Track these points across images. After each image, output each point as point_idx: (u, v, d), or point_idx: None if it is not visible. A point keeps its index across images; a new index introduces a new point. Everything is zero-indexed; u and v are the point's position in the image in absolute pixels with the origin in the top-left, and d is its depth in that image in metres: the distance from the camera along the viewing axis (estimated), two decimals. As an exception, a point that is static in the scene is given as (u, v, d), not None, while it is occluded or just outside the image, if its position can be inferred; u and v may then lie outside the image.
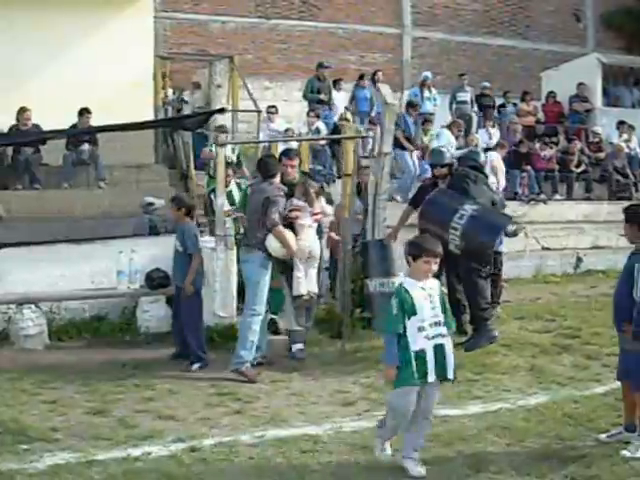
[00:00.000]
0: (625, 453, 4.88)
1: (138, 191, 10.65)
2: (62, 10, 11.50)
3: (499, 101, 16.52)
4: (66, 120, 10.76)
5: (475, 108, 15.26)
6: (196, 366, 6.86)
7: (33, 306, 7.49)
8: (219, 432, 5.24)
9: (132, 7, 12.66)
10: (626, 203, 14.19)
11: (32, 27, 11.18)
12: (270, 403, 5.90)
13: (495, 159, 12.11)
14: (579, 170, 14.25)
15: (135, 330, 7.91)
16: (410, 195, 9.81)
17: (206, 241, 7.86)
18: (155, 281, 7.83)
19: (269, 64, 18.42)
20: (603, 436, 5.16)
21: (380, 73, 15.14)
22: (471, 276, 7.51)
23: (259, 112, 10.72)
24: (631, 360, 4.95)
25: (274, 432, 5.22)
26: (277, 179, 6.82)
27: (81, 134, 9.95)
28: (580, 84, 15.87)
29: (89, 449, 4.91)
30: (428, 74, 14.78)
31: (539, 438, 5.21)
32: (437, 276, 8.25)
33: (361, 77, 14.65)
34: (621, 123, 15.34)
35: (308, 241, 7.08)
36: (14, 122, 10.59)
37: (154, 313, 7.80)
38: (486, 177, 8.65)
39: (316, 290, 7.23)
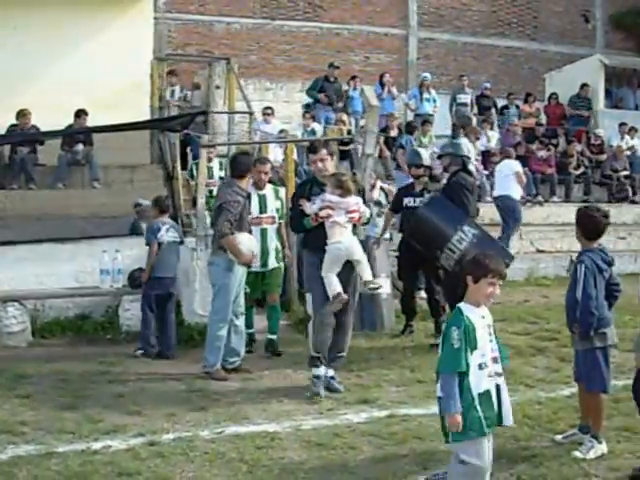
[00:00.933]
0: (576, 454, 4.94)
1: (133, 191, 10.82)
2: (62, 11, 11.73)
3: (502, 103, 16.56)
4: (65, 121, 11.00)
5: (475, 110, 15.30)
6: (139, 352, 7.32)
7: (17, 304, 7.67)
8: (180, 427, 5.36)
9: (133, 9, 12.86)
10: (625, 205, 14.34)
11: (32, 28, 11.42)
12: (236, 400, 6.01)
13: (516, 166, 12.05)
14: (578, 172, 14.24)
15: (117, 328, 8.06)
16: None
17: (188, 241, 8.01)
18: (137, 280, 7.97)
19: (273, 65, 18.57)
20: (559, 437, 5.22)
21: (388, 75, 15.22)
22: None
23: (251, 114, 10.83)
24: (581, 360, 5.02)
25: (234, 428, 5.33)
26: (245, 181, 6.72)
27: (64, 136, 10.12)
28: (583, 85, 15.85)
29: (52, 442, 5.05)
30: (427, 75, 14.87)
31: (494, 438, 5.23)
32: (415, 277, 8.45)
33: (352, 78, 14.73)
34: (623, 125, 15.33)
35: (346, 241, 6.13)
36: (12, 122, 10.83)
37: (135, 312, 7.91)
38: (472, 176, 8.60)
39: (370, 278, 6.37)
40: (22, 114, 10.52)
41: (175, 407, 5.83)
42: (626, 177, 14.54)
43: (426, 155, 8.17)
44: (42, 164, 10.95)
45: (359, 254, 6.25)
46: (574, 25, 21.20)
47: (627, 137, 15.15)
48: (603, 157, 14.81)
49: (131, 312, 8.00)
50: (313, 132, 13.02)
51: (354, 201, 6.22)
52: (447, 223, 7.31)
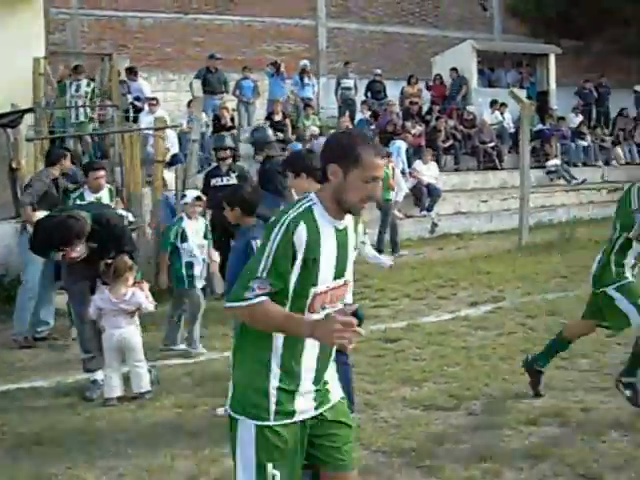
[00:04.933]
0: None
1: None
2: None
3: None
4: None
5: (361, 93, 16.82)
6: None
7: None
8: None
9: (22, 4, 13.76)
10: (491, 173, 15.84)
11: None
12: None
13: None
14: (446, 145, 15.76)
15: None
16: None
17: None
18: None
19: (187, 57, 19.77)
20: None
21: (282, 64, 16.49)
22: None
23: (116, 106, 12.03)
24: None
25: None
26: (55, 168, 7.41)
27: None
28: (451, 69, 17.52)
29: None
30: (306, 62, 16.33)
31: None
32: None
33: (244, 68, 16.09)
34: (494, 102, 16.98)
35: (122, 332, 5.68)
36: None
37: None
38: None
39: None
40: None
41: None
42: (493, 148, 16.13)
43: (229, 139, 9.46)
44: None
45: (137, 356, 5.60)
46: (473, 13, 22.76)
47: (497, 113, 16.77)
48: (473, 131, 16.37)
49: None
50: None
51: (127, 296, 5.55)
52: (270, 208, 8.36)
